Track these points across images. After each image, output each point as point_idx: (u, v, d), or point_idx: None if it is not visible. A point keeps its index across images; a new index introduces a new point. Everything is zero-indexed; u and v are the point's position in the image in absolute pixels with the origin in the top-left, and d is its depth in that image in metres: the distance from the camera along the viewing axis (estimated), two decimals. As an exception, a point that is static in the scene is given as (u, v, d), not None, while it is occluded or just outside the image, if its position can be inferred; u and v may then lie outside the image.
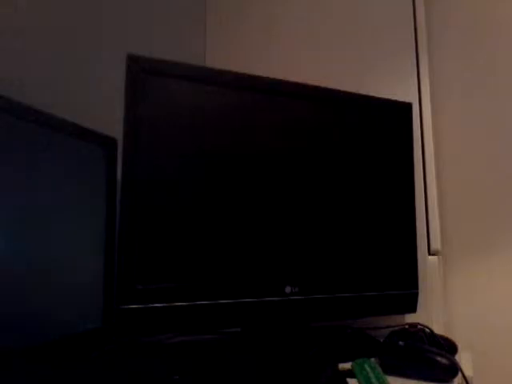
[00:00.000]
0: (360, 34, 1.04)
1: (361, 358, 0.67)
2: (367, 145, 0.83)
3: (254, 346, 0.76)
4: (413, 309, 0.84)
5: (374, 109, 0.85)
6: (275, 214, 0.75)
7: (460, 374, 0.64)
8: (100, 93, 0.94)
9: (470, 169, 1.04)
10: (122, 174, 0.66)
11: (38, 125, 0.65)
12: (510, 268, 1.00)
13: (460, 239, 1.03)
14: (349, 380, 0.62)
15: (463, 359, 0.78)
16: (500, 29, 1.06)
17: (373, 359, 0.68)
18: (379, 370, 0.63)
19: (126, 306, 0.64)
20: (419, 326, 0.76)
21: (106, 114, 0.87)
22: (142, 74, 0.68)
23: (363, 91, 0.86)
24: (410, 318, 0.89)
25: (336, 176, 0.80)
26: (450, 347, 0.74)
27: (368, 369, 0.63)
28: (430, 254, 0.94)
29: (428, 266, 0.93)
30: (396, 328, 0.77)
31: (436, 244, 0.94)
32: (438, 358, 0.64)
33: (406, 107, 0.89)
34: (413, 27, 1.01)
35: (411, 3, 1.02)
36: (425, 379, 0.63)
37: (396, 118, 0.87)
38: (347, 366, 0.66)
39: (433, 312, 0.91)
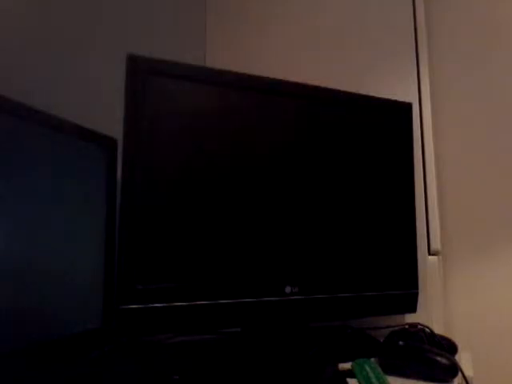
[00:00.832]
0: (360, 33, 1.04)
1: (361, 358, 0.67)
2: (367, 145, 0.83)
3: (254, 346, 0.76)
4: (413, 309, 0.84)
5: (374, 109, 0.85)
6: (275, 214, 0.74)
7: (460, 374, 0.64)
8: (100, 93, 0.94)
9: (470, 169, 1.04)
10: (122, 174, 0.66)
11: (38, 125, 0.65)
12: (510, 268, 1.00)
13: (460, 239, 1.03)
14: (349, 380, 0.62)
15: (463, 359, 0.78)
16: (500, 29, 1.06)
17: (373, 359, 0.68)
18: (379, 370, 0.63)
19: (126, 306, 0.64)
20: (419, 326, 0.76)
21: (106, 114, 0.87)
22: (142, 74, 0.68)
23: (363, 91, 0.86)
24: (410, 318, 0.89)
25: (336, 176, 0.80)
26: (450, 347, 0.74)
27: (368, 369, 0.63)
28: (430, 254, 0.94)
29: (428, 266, 0.93)
30: (396, 328, 0.77)
31: (436, 244, 0.94)
32: (438, 358, 0.64)
33: (406, 107, 0.89)
34: (413, 27, 1.01)
35: (411, 3, 1.02)
36: (425, 379, 0.63)
37: (396, 117, 0.87)
38: (347, 365, 0.66)
39: (433, 312, 0.91)
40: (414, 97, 0.98)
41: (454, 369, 0.63)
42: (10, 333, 0.59)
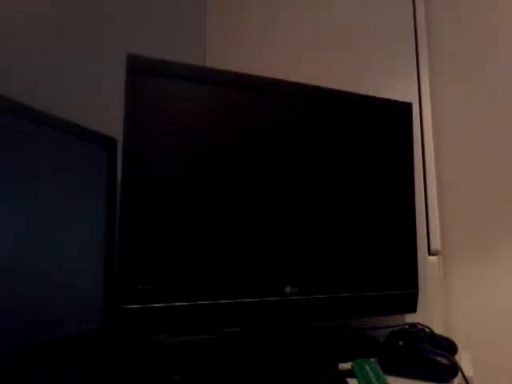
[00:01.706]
0: (360, 33, 1.04)
1: (361, 358, 0.67)
2: (367, 145, 0.83)
3: (254, 346, 0.76)
4: (413, 309, 0.84)
5: (374, 109, 0.85)
6: (275, 214, 0.74)
7: (460, 374, 0.64)
8: (100, 93, 0.94)
9: (470, 169, 1.04)
10: (122, 174, 0.66)
11: (38, 125, 0.65)
12: (510, 268, 1.00)
13: (460, 239, 1.03)
14: (349, 380, 0.62)
15: (463, 359, 0.78)
16: (500, 28, 1.06)
17: (373, 359, 0.68)
18: (379, 370, 0.63)
19: (126, 306, 0.64)
20: (419, 326, 0.76)
21: (106, 114, 0.87)
22: (142, 74, 0.68)
23: (363, 91, 0.86)
24: (410, 318, 0.89)
25: (336, 176, 0.80)
26: (450, 347, 0.74)
27: (368, 369, 0.63)
28: (430, 254, 0.94)
29: (428, 265, 0.93)
30: (396, 328, 0.77)
31: (436, 244, 0.94)
32: (438, 358, 0.64)
33: (406, 107, 0.89)
34: (413, 27, 1.01)
35: (411, 3, 1.02)
36: (425, 379, 0.63)
37: (396, 117, 0.87)
38: (347, 366, 0.66)
39: (433, 312, 0.91)
40: (414, 97, 0.98)
41: (454, 369, 0.63)
42: (10, 333, 0.59)
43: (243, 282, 0.71)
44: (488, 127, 1.04)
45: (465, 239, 1.03)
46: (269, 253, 0.74)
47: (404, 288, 0.83)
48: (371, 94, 0.87)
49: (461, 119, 1.06)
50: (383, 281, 0.82)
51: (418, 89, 0.99)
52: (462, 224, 1.03)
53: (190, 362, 0.68)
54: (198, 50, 1.15)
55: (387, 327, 0.80)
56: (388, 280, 0.82)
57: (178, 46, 1.11)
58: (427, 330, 0.74)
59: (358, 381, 0.61)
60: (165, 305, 0.66)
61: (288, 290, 0.74)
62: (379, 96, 0.87)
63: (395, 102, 0.88)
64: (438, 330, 0.86)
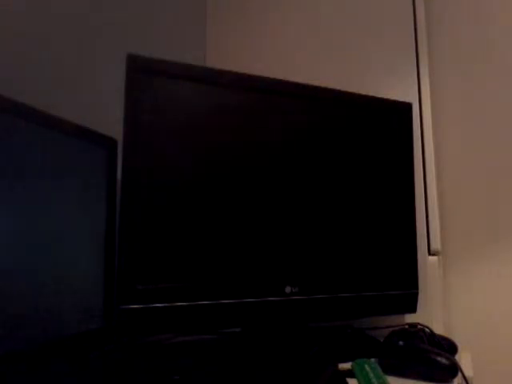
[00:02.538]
0: (360, 33, 1.04)
1: (361, 358, 0.67)
2: (367, 145, 0.83)
3: (254, 346, 0.76)
4: (413, 309, 0.84)
5: (374, 109, 0.85)
6: (275, 214, 0.75)
7: (460, 374, 0.64)
8: (100, 93, 0.94)
9: (470, 169, 1.04)
10: (122, 174, 0.66)
11: (38, 125, 0.65)
12: (510, 268, 1.00)
13: (460, 239, 1.03)
14: (349, 380, 0.62)
15: (463, 359, 0.78)
16: (500, 28, 1.06)
17: (373, 359, 0.68)
18: (379, 370, 0.63)
19: (126, 306, 0.64)
20: (419, 326, 0.76)
21: (106, 114, 0.87)
22: (142, 74, 0.68)
23: (363, 91, 0.86)
24: (410, 318, 0.89)
25: (336, 176, 0.80)
26: (450, 347, 0.74)
27: (368, 369, 0.63)
28: (430, 254, 0.94)
29: (428, 265, 0.93)
30: (396, 328, 0.77)
31: (436, 244, 0.94)
32: (438, 358, 0.64)
33: (406, 107, 0.89)
34: (413, 27, 1.01)
35: (411, 3, 1.02)
36: (425, 379, 0.63)
37: (396, 117, 0.87)
38: (347, 366, 0.66)
39: (433, 312, 0.91)
40: (414, 97, 0.98)
41: (454, 369, 0.63)
42: (10, 333, 0.59)
43: (243, 282, 0.71)
44: (488, 127, 1.04)
45: (465, 239, 1.03)
46: (269, 253, 0.74)
47: (404, 288, 0.83)
48: (371, 93, 0.87)
49: (461, 119, 1.06)
50: (383, 281, 0.82)
51: (418, 89, 0.99)
52: (462, 224, 1.03)
53: (190, 361, 0.68)
54: (198, 50, 1.15)
55: (387, 327, 0.79)
56: (388, 280, 0.82)
57: (178, 46, 1.11)
58: (427, 330, 0.74)
59: (358, 381, 0.61)
60: (165, 305, 0.66)
61: (288, 290, 0.74)
62: (379, 96, 0.87)
63: (395, 101, 0.88)
64: (438, 330, 0.86)
